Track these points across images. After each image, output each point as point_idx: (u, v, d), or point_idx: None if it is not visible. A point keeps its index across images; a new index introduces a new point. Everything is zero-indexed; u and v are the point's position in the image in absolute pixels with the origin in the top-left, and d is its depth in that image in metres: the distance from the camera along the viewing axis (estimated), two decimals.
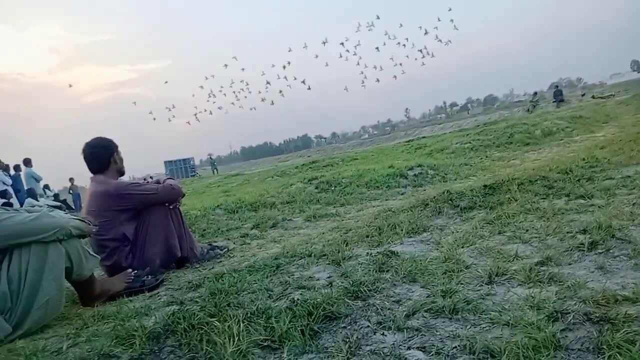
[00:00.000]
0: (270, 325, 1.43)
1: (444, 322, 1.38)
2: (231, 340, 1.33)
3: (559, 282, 1.53)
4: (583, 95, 28.43)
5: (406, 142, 14.54)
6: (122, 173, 2.75)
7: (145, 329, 1.52)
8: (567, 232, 2.04)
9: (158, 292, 2.24)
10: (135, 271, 2.39)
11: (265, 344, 1.35)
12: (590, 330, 1.20)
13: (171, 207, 2.69)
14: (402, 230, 2.58)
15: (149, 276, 2.38)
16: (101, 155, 2.65)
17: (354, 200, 4.56)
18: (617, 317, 1.22)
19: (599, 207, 2.40)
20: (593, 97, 23.56)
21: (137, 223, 2.61)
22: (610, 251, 1.76)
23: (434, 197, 3.19)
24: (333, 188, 5.38)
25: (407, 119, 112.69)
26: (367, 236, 2.58)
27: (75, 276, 2.07)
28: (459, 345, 1.22)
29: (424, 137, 15.65)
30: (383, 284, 1.73)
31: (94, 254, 2.21)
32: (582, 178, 3.17)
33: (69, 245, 1.99)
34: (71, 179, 17.52)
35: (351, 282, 1.74)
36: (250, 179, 11.54)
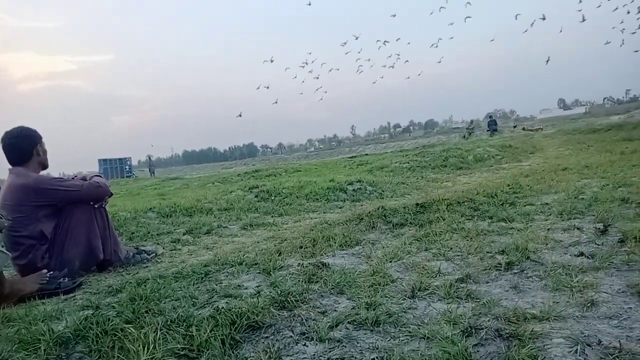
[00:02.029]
0: (190, 333, 1.39)
1: (365, 334, 1.40)
2: (146, 348, 1.28)
3: (476, 299, 1.61)
4: (515, 126, 30.40)
5: (350, 157, 14.83)
6: (44, 166, 2.58)
7: (54, 334, 1.42)
8: (487, 252, 2.16)
9: (74, 296, 2.11)
10: (51, 272, 2.24)
11: (183, 352, 1.31)
12: (500, 345, 1.27)
13: (96, 206, 2.56)
14: (335, 242, 2.61)
15: (66, 278, 2.25)
16: (23, 145, 2.48)
17: (292, 211, 4.56)
18: (524, 333, 1.29)
19: (518, 230, 2.56)
20: (523, 129, 25.22)
21: (57, 221, 2.45)
22: (524, 272, 1.87)
23: (369, 212, 3.26)
24: (273, 198, 5.35)
25: (353, 136, 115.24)
26: (301, 247, 2.58)
27: None
28: (377, 357, 1.24)
29: (366, 155, 16.04)
30: (311, 294, 1.74)
31: (5, 251, 2.05)
32: (505, 202, 3.38)
33: None
34: None
35: (279, 292, 1.73)
36: (190, 183, 11.21)
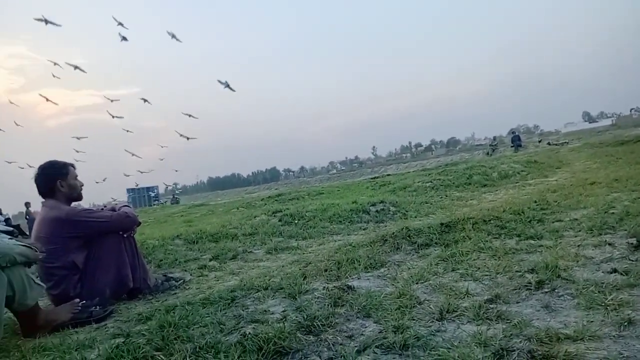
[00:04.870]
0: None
1: (394, 358, 1.38)
2: None
3: (507, 319, 1.58)
4: (539, 141, 29.88)
5: (372, 178, 14.77)
6: (74, 199, 2.66)
7: None
8: (517, 271, 2.11)
9: (106, 324, 2.16)
10: (83, 301, 2.29)
11: None
12: None
13: (125, 235, 2.62)
14: (360, 265, 2.60)
15: (98, 307, 2.30)
16: (44, 180, 2.58)
17: (316, 234, 4.56)
18: (558, 355, 1.26)
19: (547, 247, 2.49)
20: (548, 143, 24.74)
21: (88, 251, 2.52)
22: (556, 290, 1.83)
23: (393, 233, 3.23)
24: (296, 221, 5.36)
25: (374, 157, 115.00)
26: (326, 270, 2.58)
27: (18, 305, 1.97)
28: None
29: (388, 175, 15.95)
30: (337, 318, 1.73)
31: (40, 283, 2.12)
32: (533, 219, 3.30)
33: (12, 272, 1.90)
34: (27, 204, 16.73)
35: (305, 317, 1.73)
36: (215, 209, 11.37)
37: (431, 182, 8.62)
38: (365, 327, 1.64)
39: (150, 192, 35.79)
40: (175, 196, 32.74)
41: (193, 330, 1.74)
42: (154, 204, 32.20)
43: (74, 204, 2.70)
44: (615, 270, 1.94)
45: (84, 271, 2.49)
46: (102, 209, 2.81)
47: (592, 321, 1.48)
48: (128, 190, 35.63)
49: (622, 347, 1.28)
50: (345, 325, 1.67)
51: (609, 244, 2.39)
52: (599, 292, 1.71)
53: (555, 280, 1.92)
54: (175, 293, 2.69)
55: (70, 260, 2.46)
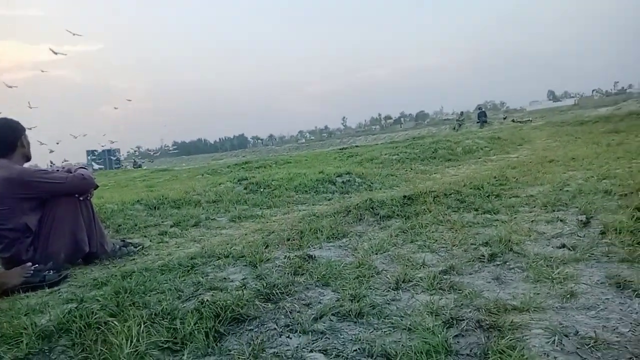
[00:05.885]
0: (174, 326, 1.39)
1: (349, 325, 1.41)
2: (129, 341, 1.28)
3: (459, 290, 1.63)
4: (504, 118, 30.47)
5: (340, 149, 14.81)
6: (28, 159, 2.55)
7: (37, 327, 1.42)
8: (472, 244, 2.18)
9: (59, 289, 2.10)
10: (36, 265, 2.22)
11: (166, 345, 1.31)
12: (480, 336, 1.29)
13: (81, 198, 2.54)
14: (322, 235, 2.62)
15: (51, 271, 2.23)
16: (6, 137, 2.45)
17: (281, 203, 4.56)
18: (504, 324, 1.32)
19: (502, 222, 2.59)
20: (513, 120, 25.30)
21: (41, 213, 2.43)
22: (507, 263, 1.90)
23: (357, 205, 3.27)
24: (262, 190, 5.34)
25: (344, 127, 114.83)
26: (289, 239, 2.59)
27: None
28: (359, 349, 1.26)
29: (357, 146, 16.04)
30: (296, 287, 1.75)
31: None
32: (491, 194, 3.41)
33: None
34: None
35: (264, 285, 1.74)
36: (179, 175, 11.15)
37: (398, 155, 8.72)
38: (324, 296, 1.67)
39: (112, 155, 34.65)
40: (137, 160, 31.78)
41: (150, 296, 1.72)
42: (115, 167, 31.28)
43: (25, 164, 2.58)
44: (564, 245, 2.04)
45: (37, 234, 2.41)
46: (58, 170, 2.69)
47: (538, 293, 1.55)
48: (88, 152, 34.35)
49: (563, 318, 1.35)
50: (304, 294, 1.69)
51: (561, 220, 2.50)
52: (547, 265, 1.79)
53: (507, 253, 2.00)
54: (134, 259, 2.65)
55: (22, 223, 2.37)
